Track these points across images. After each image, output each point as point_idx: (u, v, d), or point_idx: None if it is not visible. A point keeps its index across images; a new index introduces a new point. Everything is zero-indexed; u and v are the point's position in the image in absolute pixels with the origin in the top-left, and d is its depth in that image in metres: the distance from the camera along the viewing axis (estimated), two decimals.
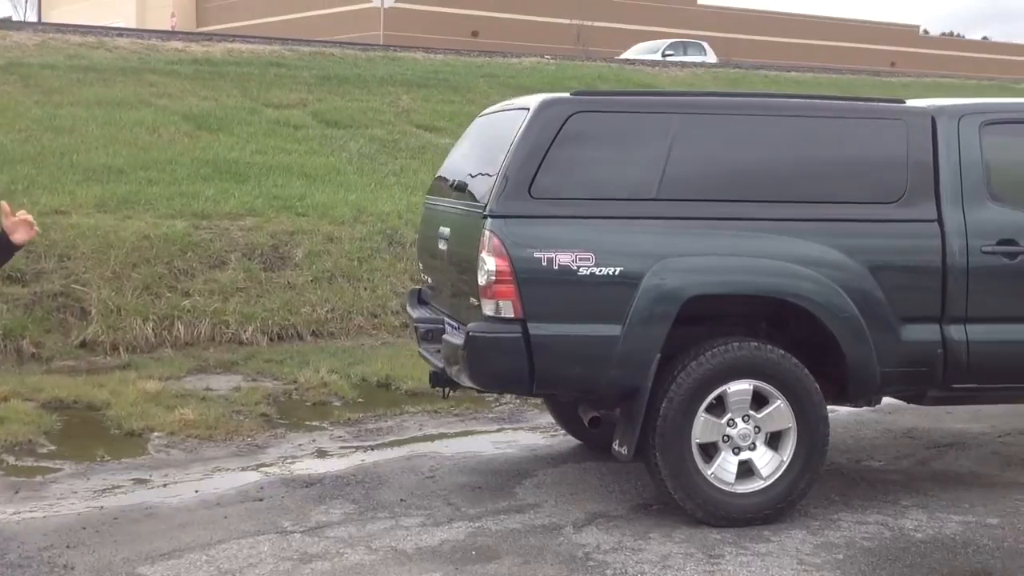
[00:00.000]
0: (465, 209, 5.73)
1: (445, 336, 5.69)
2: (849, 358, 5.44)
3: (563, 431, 7.16)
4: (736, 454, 5.43)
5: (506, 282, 5.22)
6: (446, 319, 6.11)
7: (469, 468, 6.55)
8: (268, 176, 13.40)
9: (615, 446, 5.50)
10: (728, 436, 5.41)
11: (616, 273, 5.26)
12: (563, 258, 5.24)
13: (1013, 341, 5.66)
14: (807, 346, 5.56)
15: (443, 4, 54.17)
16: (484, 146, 6.13)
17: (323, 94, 17.48)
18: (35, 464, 6.65)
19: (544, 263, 5.24)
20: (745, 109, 5.72)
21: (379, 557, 5.09)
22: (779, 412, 5.42)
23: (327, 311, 10.80)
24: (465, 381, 5.56)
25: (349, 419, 7.74)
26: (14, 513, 5.70)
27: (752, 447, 5.44)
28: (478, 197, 5.56)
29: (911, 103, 5.94)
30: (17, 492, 6.08)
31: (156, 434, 7.24)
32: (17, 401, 7.79)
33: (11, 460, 6.69)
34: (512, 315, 5.24)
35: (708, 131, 5.55)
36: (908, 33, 76.42)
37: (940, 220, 5.59)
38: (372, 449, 6.98)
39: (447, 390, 6.34)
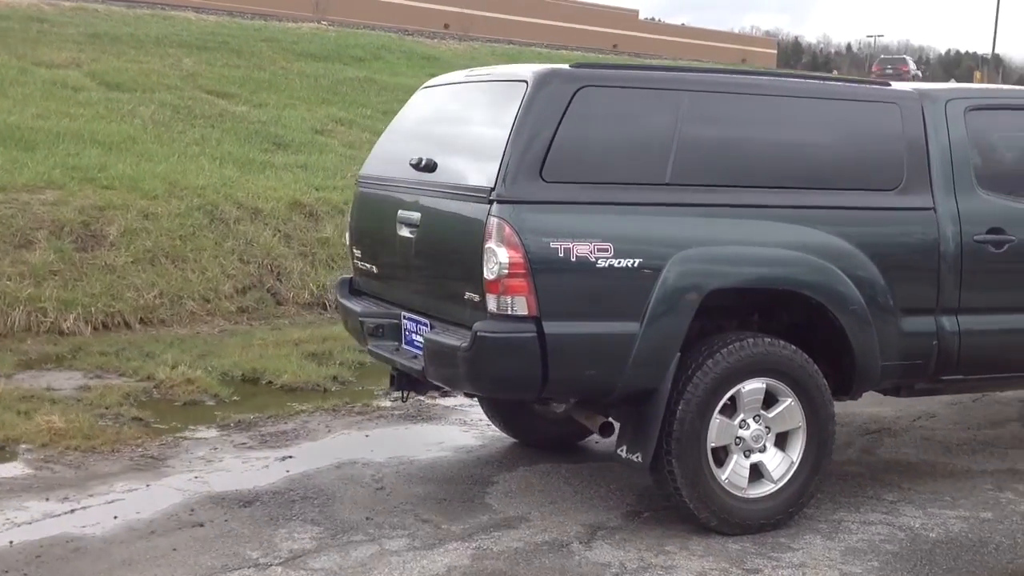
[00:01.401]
0: (451, 192, 5.09)
1: (429, 335, 5.05)
2: (857, 351, 5.22)
3: (494, 428, 6.66)
4: (747, 457, 5.11)
5: (520, 276, 4.66)
6: (407, 315, 5.47)
7: (416, 476, 5.93)
8: (58, 144, 12.04)
9: (622, 452, 5.05)
10: (740, 438, 5.08)
11: (635, 265, 4.80)
12: (581, 249, 4.73)
13: (999, 331, 5.60)
14: (798, 339, 5.29)
15: None
16: (457, 121, 5.50)
17: (96, 54, 15.97)
18: None
19: (561, 254, 4.71)
20: (759, 89, 5.35)
21: None
22: (790, 411, 5.13)
23: (155, 296, 9.78)
24: (463, 386, 4.98)
25: (240, 422, 6.92)
26: None
27: (763, 449, 5.13)
28: (473, 179, 4.94)
29: (896, 86, 5.78)
30: None
31: (25, 446, 6.21)
32: None
33: None
34: (525, 312, 4.68)
35: (717, 111, 5.15)
36: (628, 17, 79.05)
37: (935, 208, 5.45)
38: (289, 458, 6.22)
39: (407, 393, 5.71)
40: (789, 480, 5.14)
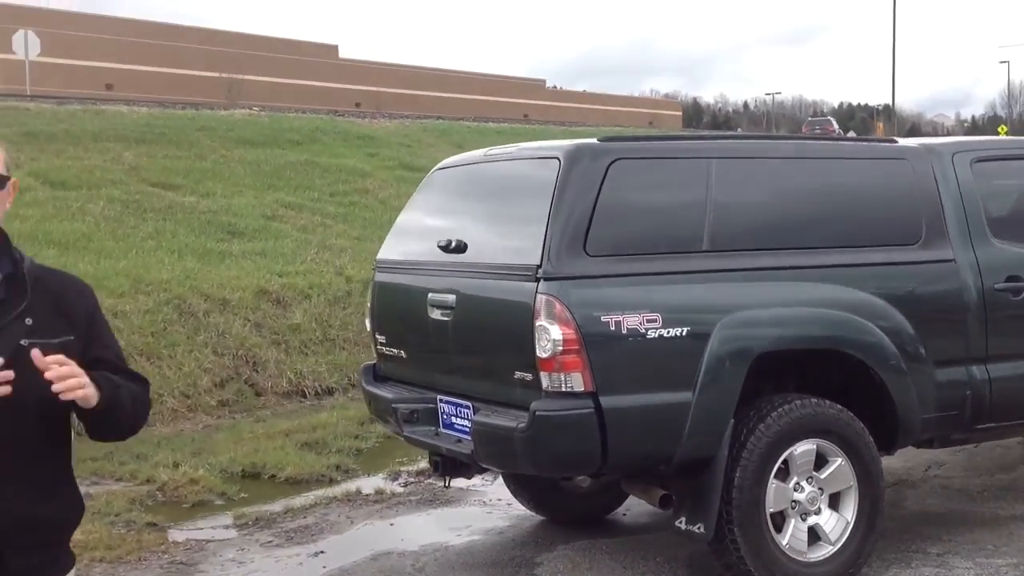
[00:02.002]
0: (490, 272, 5.05)
1: (479, 418, 4.96)
2: (898, 405, 5.26)
3: (516, 507, 6.58)
4: (804, 520, 5.09)
5: (574, 351, 4.62)
6: (443, 398, 5.39)
7: (457, 563, 5.81)
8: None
9: (681, 524, 5.00)
10: (796, 501, 5.07)
11: (683, 334, 4.79)
12: (631, 321, 4.72)
13: None
14: (838, 398, 5.31)
15: (78, 57, 51.03)
16: (485, 201, 5.48)
17: (34, 152, 15.71)
18: None
19: (612, 328, 4.69)
20: (781, 152, 5.44)
21: None
22: (841, 471, 5.14)
23: None
24: (519, 467, 4.90)
25: (258, 519, 6.74)
26: None
27: (818, 511, 5.12)
28: (515, 258, 4.91)
29: (903, 142, 5.90)
30: None
31: None
32: None
33: None
34: (582, 388, 4.65)
35: (744, 176, 5.22)
36: (536, 86, 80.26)
37: (955, 260, 5.54)
38: (321, 553, 6.07)
39: (449, 479, 5.61)
40: (846, 541, 5.13)
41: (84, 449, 8.43)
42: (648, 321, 4.74)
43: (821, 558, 5.09)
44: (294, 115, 23.49)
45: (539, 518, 6.52)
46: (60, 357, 2.44)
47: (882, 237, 5.42)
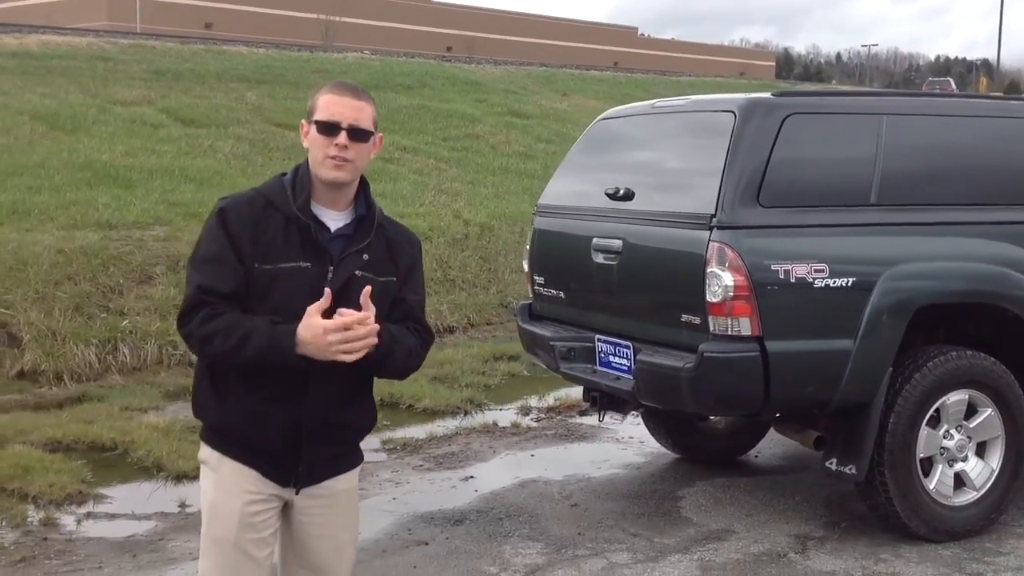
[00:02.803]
0: (661, 220, 5.30)
1: (644, 357, 5.24)
2: None
3: (649, 445, 6.89)
4: (951, 466, 5.31)
5: (743, 297, 4.87)
6: (601, 337, 5.67)
7: (602, 493, 6.13)
8: (152, 180, 12.32)
9: (832, 465, 5.24)
10: (945, 448, 5.28)
11: (849, 284, 5.01)
12: (799, 270, 4.94)
13: None
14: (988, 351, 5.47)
15: None
16: (655, 151, 5.72)
17: (164, 90, 16.26)
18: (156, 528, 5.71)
19: (781, 276, 4.92)
20: (948, 110, 5.61)
21: None
22: (990, 421, 5.34)
23: None
24: (683, 405, 5.17)
25: (406, 445, 7.13)
26: None
27: (965, 458, 5.33)
28: (688, 207, 5.15)
29: None
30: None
31: None
32: (15, 446, 6.70)
33: (69, 522, 5.72)
34: (749, 332, 4.89)
35: (912, 132, 5.39)
36: (628, 34, 79.73)
37: None
38: (471, 478, 6.43)
39: (604, 413, 5.92)
40: (991, 487, 5.34)
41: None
42: (815, 271, 4.96)
43: (965, 503, 5.31)
44: (403, 59, 23.81)
45: (673, 456, 6.81)
46: (367, 317, 2.80)
47: None
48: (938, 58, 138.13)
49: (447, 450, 7.03)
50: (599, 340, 5.71)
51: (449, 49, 54.15)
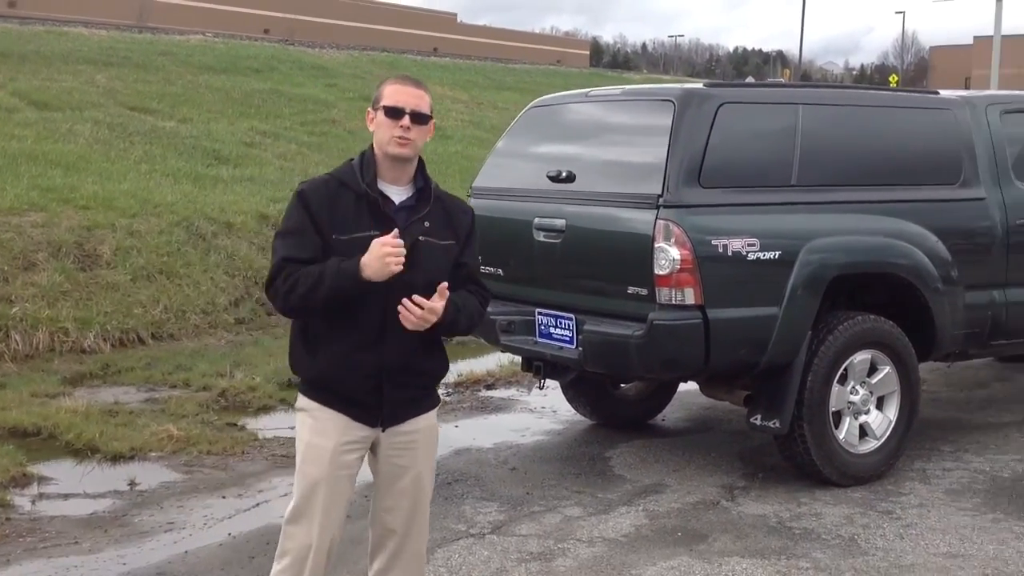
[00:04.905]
0: (605, 200, 5.75)
1: (591, 327, 5.69)
2: (938, 323, 6.14)
3: (562, 413, 7.40)
4: (856, 419, 5.96)
5: (688, 270, 5.38)
6: (541, 311, 6.09)
7: (536, 458, 6.58)
8: (18, 166, 12.07)
9: (757, 421, 5.80)
10: (851, 403, 5.93)
11: (776, 257, 5.59)
12: (735, 245, 5.49)
13: None
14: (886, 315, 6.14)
15: None
16: (595, 136, 6.15)
17: (11, 73, 15.82)
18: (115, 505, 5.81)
19: (720, 250, 5.46)
20: (853, 100, 6.24)
21: (604, 549, 5.10)
22: (888, 377, 6.01)
23: (160, 311, 10.04)
24: (631, 371, 5.64)
25: None
26: None
27: (867, 411, 5.99)
28: (634, 188, 5.62)
29: (945, 94, 6.74)
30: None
31: (155, 454, 6.57)
32: None
33: (24, 503, 5.80)
34: (692, 302, 5.41)
35: (823, 121, 6.00)
36: (448, 20, 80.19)
37: (986, 198, 6.42)
38: None
39: (545, 381, 6.34)
40: (889, 436, 6.03)
41: (118, 359, 8.97)
42: (748, 245, 5.52)
43: (869, 450, 5.99)
44: (247, 42, 23.64)
45: (588, 423, 7.30)
46: (434, 307, 3.30)
47: (930, 177, 6.29)
48: (736, 49, 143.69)
49: None
50: (539, 313, 6.13)
51: (267, 31, 53.33)
